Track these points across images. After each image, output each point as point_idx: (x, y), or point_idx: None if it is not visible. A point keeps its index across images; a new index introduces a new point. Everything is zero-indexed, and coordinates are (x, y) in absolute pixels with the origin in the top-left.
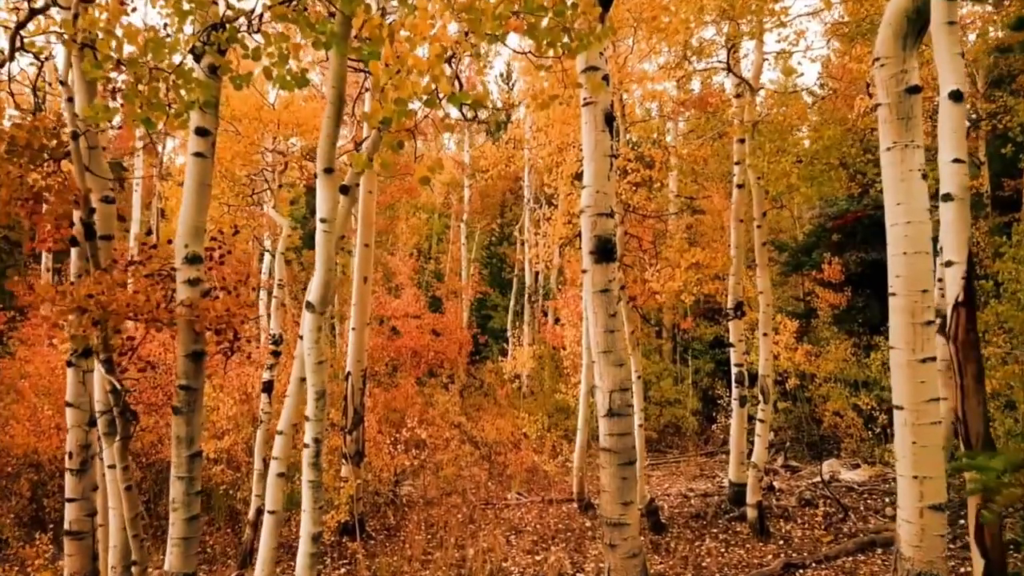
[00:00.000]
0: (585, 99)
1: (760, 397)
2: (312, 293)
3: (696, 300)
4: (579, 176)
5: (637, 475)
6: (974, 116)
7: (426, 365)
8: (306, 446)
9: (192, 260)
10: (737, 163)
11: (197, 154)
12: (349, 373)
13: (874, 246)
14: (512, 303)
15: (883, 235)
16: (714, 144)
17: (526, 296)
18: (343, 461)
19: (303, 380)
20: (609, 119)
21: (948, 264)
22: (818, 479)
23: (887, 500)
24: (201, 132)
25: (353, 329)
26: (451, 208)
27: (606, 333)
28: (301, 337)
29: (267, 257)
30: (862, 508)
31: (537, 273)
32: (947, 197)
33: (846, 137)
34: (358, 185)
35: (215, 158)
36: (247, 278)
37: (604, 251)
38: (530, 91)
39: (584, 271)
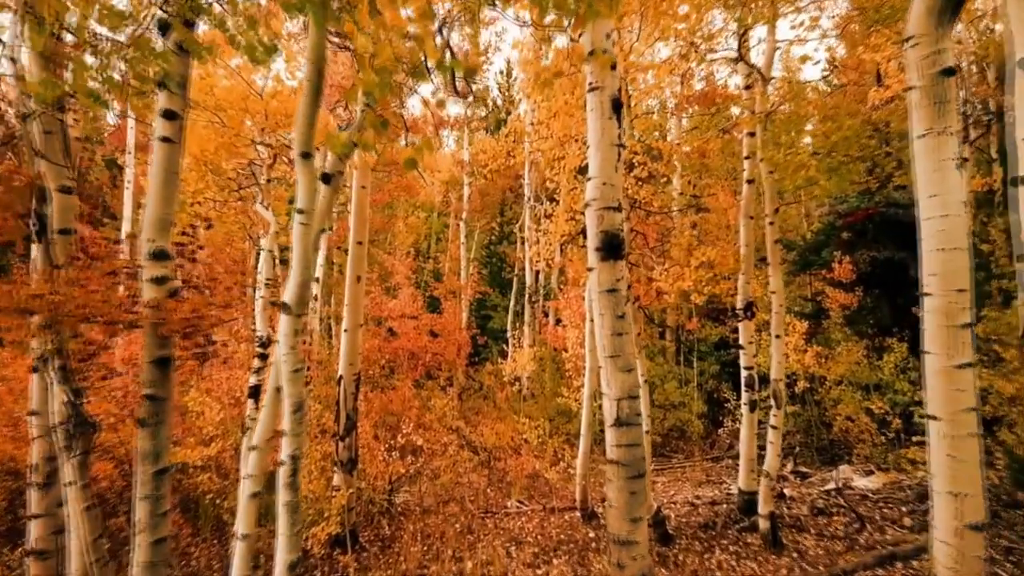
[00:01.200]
0: (591, 84)
1: (772, 402)
2: (288, 293)
3: (702, 300)
4: (582, 170)
5: (647, 489)
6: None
7: (423, 367)
8: (281, 463)
9: (158, 256)
10: (747, 157)
11: (164, 139)
12: (341, 377)
13: (886, 244)
14: (512, 303)
15: (895, 233)
16: (719, 139)
17: (526, 296)
18: (335, 469)
19: (280, 390)
20: (616, 105)
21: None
22: (831, 486)
23: (904, 509)
24: (168, 115)
25: (346, 331)
26: (450, 207)
27: (614, 336)
28: (276, 342)
29: (264, 256)
30: (878, 518)
31: (538, 273)
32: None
33: (864, 128)
34: (341, 173)
35: (186, 146)
36: (244, 276)
37: (611, 248)
38: (532, 69)
39: (590, 269)
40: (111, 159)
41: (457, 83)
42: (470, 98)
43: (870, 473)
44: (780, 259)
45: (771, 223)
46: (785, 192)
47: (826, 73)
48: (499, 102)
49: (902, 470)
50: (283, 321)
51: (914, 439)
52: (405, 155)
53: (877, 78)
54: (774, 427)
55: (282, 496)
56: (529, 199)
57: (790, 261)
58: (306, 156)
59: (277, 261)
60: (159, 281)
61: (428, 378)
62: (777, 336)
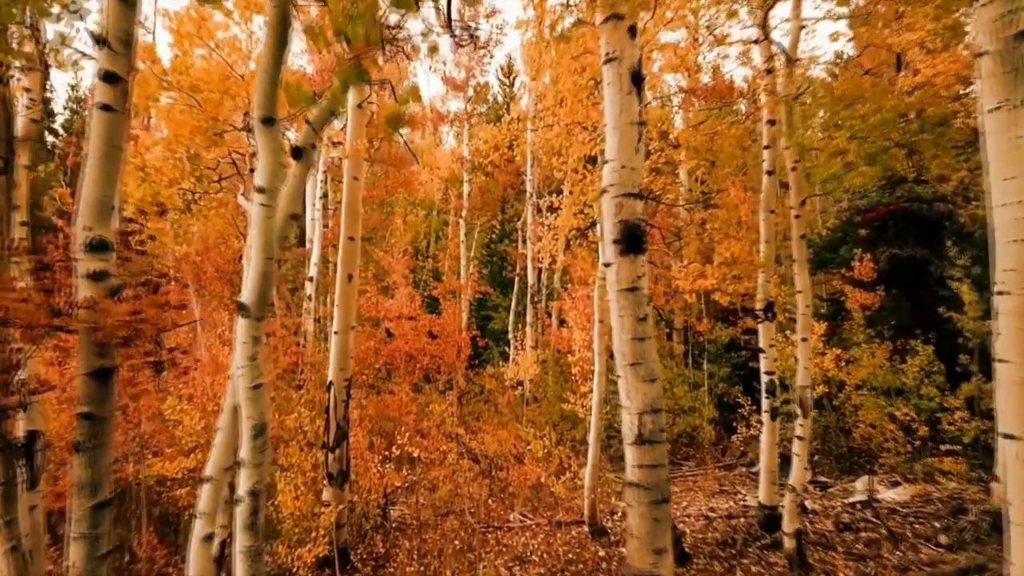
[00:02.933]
0: (607, 55)
1: (798, 410)
2: (246, 290)
3: (727, 300)
4: (591, 160)
5: (671, 514)
6: None
7: (422, 370)
8: (237, 502)
9: (96, 247)
10: (766, 147)
11: (104, 107)
12: (331, 383)
13: (908, 241)
14: (513, 304)
15: (918, 229)
16: (730, 133)
17: (528, 296)
18: (325, 482)
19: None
20: (637, 79)
21: None
22: (856, 499)
23: (937, 525)
24: (109, 78)
25: (336, 333)
26: (450, 204)
27: (634, 341)
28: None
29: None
30: (909, 534)
31: (540, 272)
32: None
33: (906, 110)
34: (315, 147)
35: (161, 131)
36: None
37: (632, 240)
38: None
39: (606, 265)
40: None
41: (453, 12)
42: (470, 44)
43: (896, 484)
44: (804, 256)
45: (797, 216)
46: (820, 181)
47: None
48: (499, 98)
49: (932, 481)
50: (240, 326)
51: (943, 448)
52: (388, 111)
53: (897, 64)
54: (800, 437)
55: (240, 540)
56: (531, 195)
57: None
58: (268, 122)
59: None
60: (97, 277)
61: (427, 381)
62: (803, 339)
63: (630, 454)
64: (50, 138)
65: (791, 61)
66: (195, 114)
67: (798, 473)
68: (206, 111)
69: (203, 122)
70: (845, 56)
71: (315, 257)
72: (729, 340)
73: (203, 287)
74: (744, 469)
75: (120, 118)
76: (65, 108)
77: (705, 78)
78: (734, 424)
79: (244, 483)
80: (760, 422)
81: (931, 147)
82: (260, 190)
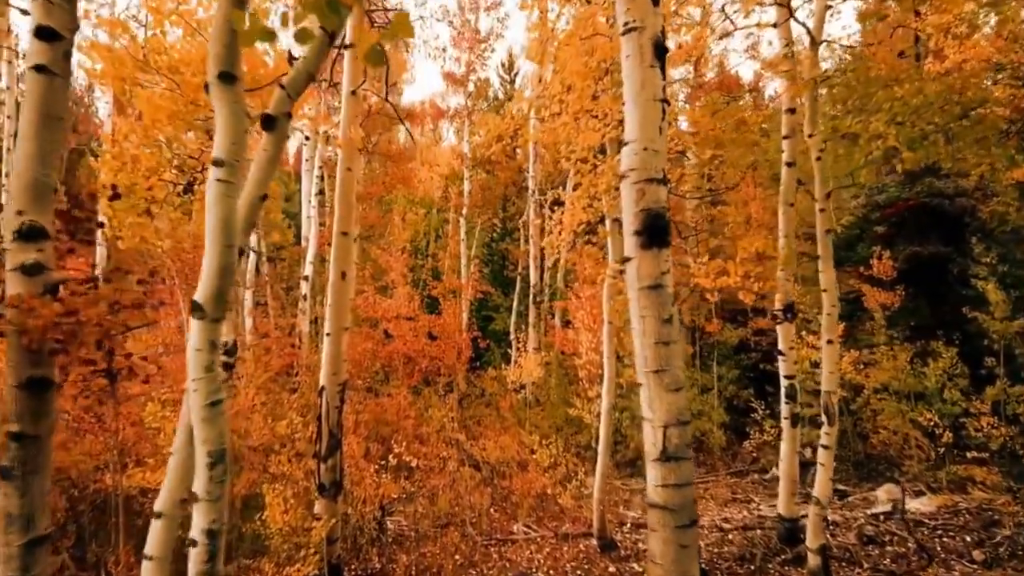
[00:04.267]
0: (627, 24)
1: (823, 418)
2: (201, 287)
3: (752, 299)
4: (602, 150)
5: (698, 538)
6: None
7: (421, 373)
8: (191, 544)
9: (30, 235)
10: (786, 137)
11: (40, 68)
12: (323, 388)
13: (929, 238)
14: (515, 304)
15: (939, 226)
16: (753, 119)
17: (531, 296)
18: (316, 495)
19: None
20: (660, 50)
21: None
22: (880, 510)
23: (968, 539)
24: (45, 34)
25: (328, 335)
26: (450, 202)
27: (658, 346)
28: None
29: (252, 255)
30: (939, 549)
31: (542, 271)
32: None
33: (950, 92)
34: (289, 117)
35: (136, 115)
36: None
37: (655, 231)
38: None
39: (626, 260)
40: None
41: None
42: None
43: (920, 494)
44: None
45: (821, 210)
46: (854, 169)
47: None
48: (500, 95)
49: (959, 491)
50: (194, 329)
51: (969, 455)
52: (368, 42)
53: (916, 41)
54: (825, 446)
55: None
56: (533, 192)
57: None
58: (227, 79)
59: (263, 259)
60: (30, 271)
61: (426, 384)
62: (829, 341)
63: (653, 472)
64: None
65: (815, 43)
66: (174, 98)
67: (823, 485)
68: (186, 95)
69: (182, 107)
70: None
71: (310, 255)
72: (739, 341)
73: (193, 284)
74: (757, 476)
75: (59, 83)
76: None
77: (710, 73)
78: (746, 429)
79: (199, 521)
80: (775, 427)
81: (970, 133)
82: (218, 163)
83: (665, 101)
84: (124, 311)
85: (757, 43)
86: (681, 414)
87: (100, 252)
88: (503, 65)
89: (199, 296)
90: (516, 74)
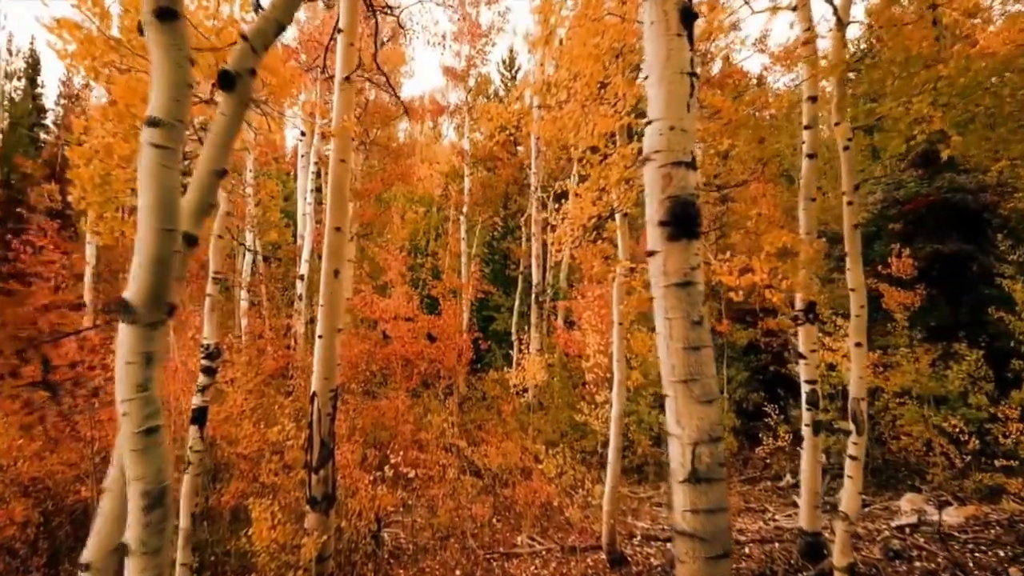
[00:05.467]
0: None
1: (852, 426)
2: (131, 283)
3: (780, 299)
4: (612, 138)
5: (731, 571)
6: None
7: (420, 376)
8: None
9: None
10: (807, 127)
11: None
12: (314, 394)
13: (950, 235)
14: (517, 303)
15: (960, 223)
16: (780, 102)
17: (533, 296)
18: (307, 508)
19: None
20: (687, 16)
21: None
22: (904, 522)
23: (1001, 554)
24: None
25: (320, 337)
26: (450, 200)
27: (687, 352)
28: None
29: (212, 243)
30: (972, 565)
31: (545, 270)
32: None
33: (999, 72)
34: (253, 74)
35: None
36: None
37: (684, 221)
38: None
39: (649, 254)
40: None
41: None
42: None
43: (946, 504)
44: (858, 249)
45: (849, 203)
46: (893, 155)
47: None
48: (501, 92)
49: (988, 500)
50: (123, 335)
51: (997, 463)
52: None
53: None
54: (853, 457)
55: None
56: (535, 189)
57: (835, 256)
58: (165, 16)
59: (258, 257)
60: None
61: (425, 387)
62: (857, 344)
63: (682, 495)
64: (42, 135)
65: (843, 24)
66: (148, 80)
67: (851, 498)
68: None
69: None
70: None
71: (306, 254)
72: (747, 342)
73: (187, 280)
74: (770, 483)
75: None
76: (57, 104)
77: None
78: (757, 434)
79: None
80: (789, 433)
81: (1009, 121)
82: (153, 123)
83: (693, 74)
84: (52, 313)
85: (767, 34)
86: (713, 429)
87: (89, 250)
88: (504, 62)
89: (129, 293)
90: (517, 71)
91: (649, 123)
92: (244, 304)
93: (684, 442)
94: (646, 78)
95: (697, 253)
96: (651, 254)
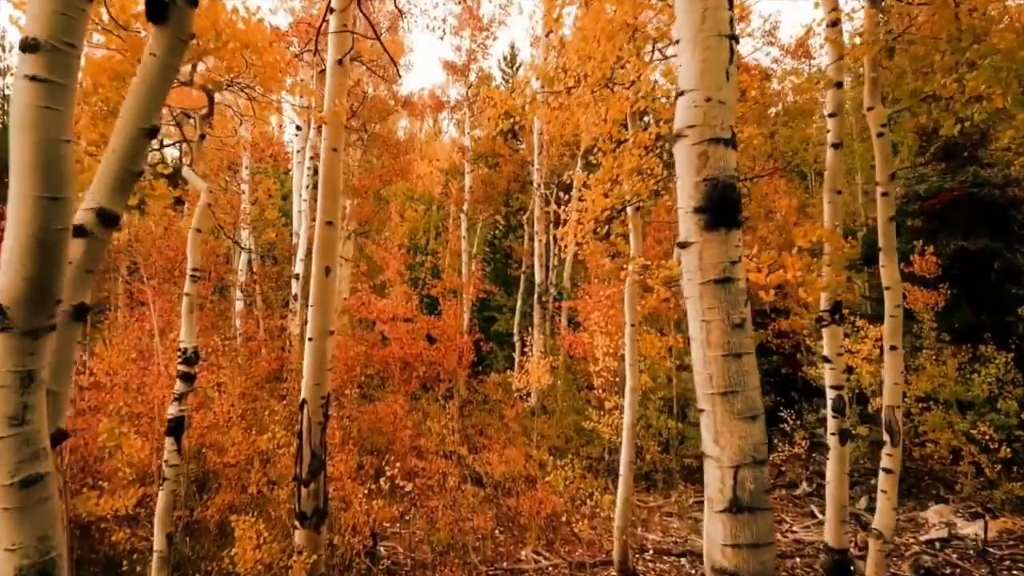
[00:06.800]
0: None
1: (886, 436)
2: (3, 277)
3: (814, 299)
4: (624, 126)
5: None
6: None
7: (418, 379)
8: None
9: None
10: (832, 115)
11: None
12: (304, 401)
13: (976, 232)
14: (519, 303)
15: (986, 218)
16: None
17: (536, 296)
18: (296, 524)
19: None
20: None
21: None
22: (933, 536)
23: None
24: None
25: (310, 340)
26: (450, 198)
27: (727, 359)
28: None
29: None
30: None
31: (548, 269)
32: None
33: None
34: (193, 4)
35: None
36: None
37: (723, 207)
38: None
39: (682, 245)
40: None
41: None
42: None
43: (976, 516)
44: (893, 244)
45: (884, 194)
46: (947, 136)
47: None
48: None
49: (1021, 513)
50: None
51: None
52: None
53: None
54: (888, 470)
55: None
56: (538, 186)
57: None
58: None
59: (254, 257)
60: None
61: (424, 390)
62: (892, 348)
63: (720, 526)
64: None
65: (876, 0)
66: (122, 59)
67: (886, 515)
68: (135, 52)
69: (130, 67)
70: None
71: (301, 252)
72: (759, 344)
73: (174, 280)
74: (785, 491)
75: None
76: None
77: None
78: (770, 439)
79: None
80: (805, 439)
81: None
82: (29, 46)
83: (734, 37)
84: None
85: (777, 27)
86: (757, 450)
87: (76, 246)
88: (505, 59)
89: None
90: (519, 67)
91: (681, 94)
92: (239, 304)
93: (724, 465)
94: (676, 43)
95: (738, 244)
96: (684, 246)
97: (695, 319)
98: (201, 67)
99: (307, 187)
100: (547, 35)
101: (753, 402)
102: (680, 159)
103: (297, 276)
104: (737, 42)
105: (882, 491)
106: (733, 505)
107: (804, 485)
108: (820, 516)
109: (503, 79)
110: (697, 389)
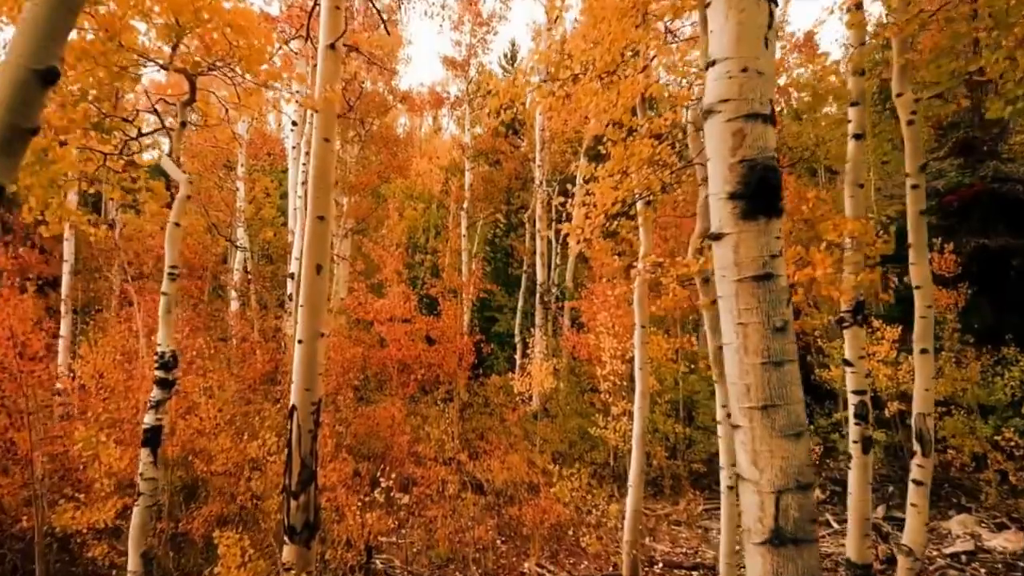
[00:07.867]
0: None
1: (916, 446)
2: None
3: (848, 300)
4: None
5: None
6: None
7: (417, 382)
8: None
9: None
10: (853, 104)
11: None
12: (294, 407)
13: (997, 229)
14: (520, 303)
15: (1009, 216)
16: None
17: (537, 295)
18: (285, 538)
19: None
20: None
21: None
22: (957, 549)
23: None
24: None
25: (299, 342)
26: (450, 196)
27: (767, 368)
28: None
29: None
30: None
31: (550, 268)
32: None
33: None
34: None
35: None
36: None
37: (762, 193)
38: None
39: (715, 237)
40: None
41: None
42: None
43: (1003, 527)
44: (924, 240)
45: (915, 187)
46: (1003, 116)
47: None
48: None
49: None
50: None
51: None
52: None
53: None
54: (919, 482)
55: None
56: (540, 183)
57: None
58: None
59: (249, 256)
60: None
61: (423, 393)
62: (923, 351)
63: (760, 561)
64: None
65: None
66: (95, 41)
67: (916, 531)
68: (111, 30)
69: (99, 46)
70: None
71: (296, 250)
72: None
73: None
74: None
75: None
76: None
77: None
78: None
79: None
80: (819, 444)
81: None
82: None
83: (773, 1)
84: None
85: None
86: (802, 473)
87: (67, 247)
88: (505, 56)
89: None
90: (520, 64)
91: (711, 64)
92: (234, 305)
93: (763, 490)
94: (707, 6)
95: (779, 236)
96: (716, 238)
97: (729, 322)
98: (182, 49)
99: (303, 183)
100: (555, 19)
101: (797, 417)
102: (712, 138)
103: (292, 275)
104: (777, 5)
105: (912, 504)
106: (775, 536)
107: (817, 492)
108: (835, 525)
109: (504, 77)
110: (731, 402)
